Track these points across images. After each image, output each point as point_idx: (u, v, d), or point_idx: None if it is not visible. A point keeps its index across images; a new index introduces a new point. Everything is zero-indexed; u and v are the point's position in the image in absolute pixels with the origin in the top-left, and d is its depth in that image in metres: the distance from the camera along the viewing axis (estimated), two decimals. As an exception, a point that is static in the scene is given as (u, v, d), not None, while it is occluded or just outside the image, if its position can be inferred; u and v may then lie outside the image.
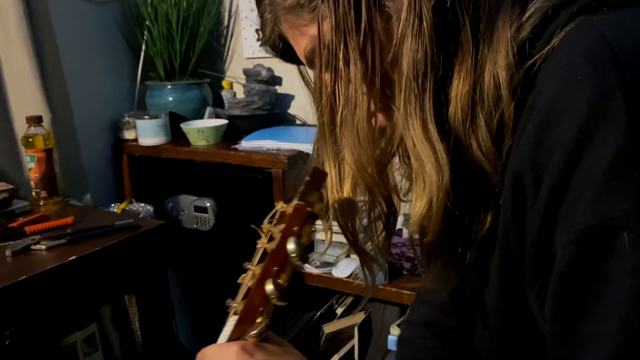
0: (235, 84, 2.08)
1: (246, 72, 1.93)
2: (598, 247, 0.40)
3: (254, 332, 0.51)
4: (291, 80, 1.99)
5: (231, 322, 0.54)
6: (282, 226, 0.46)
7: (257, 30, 2.00)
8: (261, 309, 0.51)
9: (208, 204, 1.75)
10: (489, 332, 0.56)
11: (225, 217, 1.74)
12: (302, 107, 2.00)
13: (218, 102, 2.05)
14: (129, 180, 1.93)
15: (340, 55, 0.52)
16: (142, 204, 1.81)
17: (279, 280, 0.50)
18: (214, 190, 1.76)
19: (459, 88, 0.49)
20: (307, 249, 1.79)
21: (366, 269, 0.60)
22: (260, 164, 1.66)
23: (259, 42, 1.97)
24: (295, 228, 0.46)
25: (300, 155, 1.66)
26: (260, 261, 0.51)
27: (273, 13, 0.59)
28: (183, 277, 1.94)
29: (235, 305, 0.53)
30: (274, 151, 1.67)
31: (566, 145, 0.41)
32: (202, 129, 1.78)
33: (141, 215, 1.72)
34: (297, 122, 2.00)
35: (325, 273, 1.64)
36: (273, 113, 1.91)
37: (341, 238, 1.78)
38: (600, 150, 0.40)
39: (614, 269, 0.40)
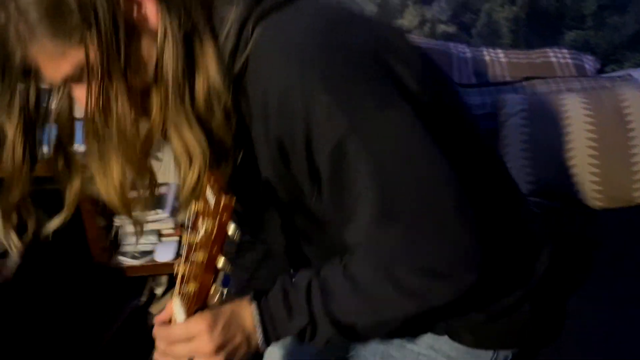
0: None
1: None
2: (342, 154, 0.63)
3: (216, 298, 0.67)
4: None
5: (178, 302, 0.68)
6: (219, 217, 0.59)
7: None
8: (212, 282, 0.66)
9: (-3, 224, 1.60)
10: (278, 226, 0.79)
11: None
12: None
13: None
14: None
15: (106, 76, 0.63)
16: None
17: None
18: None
19: (199, 89, 0.66)
20: (116, 245, 1.77)
21: (138, 227, 0.77)
22: None
23: None
24: (225, 217, 0.60)
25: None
26: (195, 251, 0.63)
27: (23, 40, 0.62)
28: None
29: (190, 286, 0.65)
30: (69, 156, 1.62)
31: (299, 110, 0.62)
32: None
33: None
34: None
35: (147, 262, 1.72)
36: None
37: (151, 226, 1.87)
38: (318, 104, 0.62)
39: (354, 160, 0.63)
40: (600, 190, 1.50)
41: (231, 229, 0.61)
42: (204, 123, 0.66)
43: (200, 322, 0.68)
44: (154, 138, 0.67)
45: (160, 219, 1.76)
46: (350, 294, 0.70)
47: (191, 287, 0.65)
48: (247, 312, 0.71)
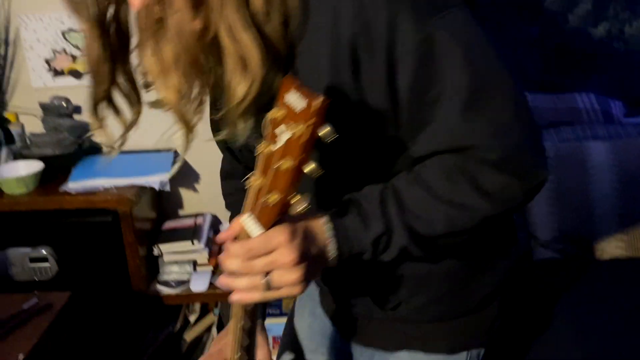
0: (22, 115, 1.96)
1: (45, 106, 1.86)
2: (430, 45, 0.65)
3: (302, 207, 0.63)
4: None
5: (250, 218, 0.65)
6: (312, 120, 0.57)
7: (47, 61, 1.91)
8: (295, 191, 0.63)
9: (46, 252, 1.71)
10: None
11: (70, 263, 1.74)
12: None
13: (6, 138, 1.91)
14: None
15: None
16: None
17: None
18: (50, 238, 1.72)
19: None
20: (154, 273, 1.82)
21: (186, 128, 0.74)
22: (104, 205, 1.70)
23: (51, 72, 1.90)
24: (318, 119, 0.58)
25: (141, 190, 1.75)
26: (278, 159, 0.60)
27: None
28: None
29: (272, 196, 0.62)
30: (114, 190, 1.72)
31: (383, 7, 0.64)
32: (23, 178, 1.69)
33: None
34: (105, 149, 2.01)
35: (183, 291, 1.81)
36: (84, 147, 1.90)
37: (188, 256, 1.95)
38: (405, 2, 0.64)
39: (444, 51, 0.65)
40: (624, 239, 1.53)
41: (324, 130, 0.58)
42: (259, 26, 0.65)
43: (280, 233, 0.65)
44: (209, 36, 0.66)
45: (196, 249, 1.85)
46: (424, 199, 0.71)
47: (273, 197, 0.62)
48: (319, 225, 0.70)
